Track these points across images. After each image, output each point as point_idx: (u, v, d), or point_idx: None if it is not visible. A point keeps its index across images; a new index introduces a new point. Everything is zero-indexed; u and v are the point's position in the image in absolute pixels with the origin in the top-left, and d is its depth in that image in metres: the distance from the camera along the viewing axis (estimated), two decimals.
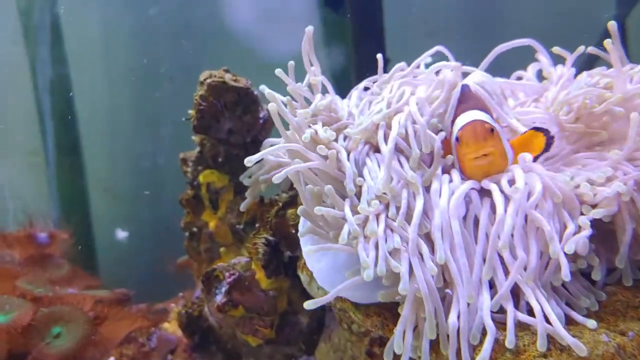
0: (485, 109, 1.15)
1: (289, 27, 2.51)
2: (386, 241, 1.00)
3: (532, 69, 1.39)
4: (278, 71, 1.21)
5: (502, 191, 1.03)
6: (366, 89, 1.40)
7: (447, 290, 0.99)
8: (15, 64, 2.44)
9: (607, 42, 1.10)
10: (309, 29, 1.23)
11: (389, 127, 1.13)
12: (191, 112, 1.46)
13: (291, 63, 1.21)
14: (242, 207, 1.42)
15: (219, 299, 1.30)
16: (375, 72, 1.37)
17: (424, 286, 0.96)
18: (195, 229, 1.58)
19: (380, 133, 1.12)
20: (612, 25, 1.10)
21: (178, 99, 2.58)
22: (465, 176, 1.09)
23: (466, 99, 1.17)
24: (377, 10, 2.30)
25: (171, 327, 1.63)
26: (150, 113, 2.67)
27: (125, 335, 1.39)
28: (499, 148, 1.07)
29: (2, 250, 1.60)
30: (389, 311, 1.08)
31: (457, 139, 1.09)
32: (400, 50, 2.25)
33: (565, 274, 0.94)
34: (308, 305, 1.03)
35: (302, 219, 1.21)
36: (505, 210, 0.99)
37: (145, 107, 2.68)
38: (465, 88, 1.21)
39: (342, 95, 1.37)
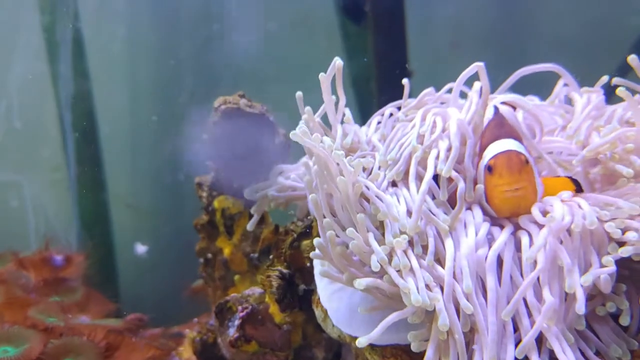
0: (517, 136, 1.07)
1: (310, 39, 2.47)
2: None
3: (560, 91, 1.30)
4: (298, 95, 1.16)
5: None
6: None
7: (474, 347, 0.92)
8: (38, 80, 2.43)
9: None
10: (339, 63, 1.15)
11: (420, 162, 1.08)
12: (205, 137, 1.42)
13: (299, 94, 1.15)
14: (249, 226, 1.36)
15: (232, 332, 1.25)
16: (398, 86, 1.30)
17: (459, 329, 0.90)
18: (210, 255, 1.54)
19: (412, 170, 1.06)
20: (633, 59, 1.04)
21: (201, 115, 2.57)
22: (491, 206, 1.02)
23: (496, 124, 1.10)
24: (400, 21, 2.23)
25: (185, 352, 1.59)
26: (171, 128, 2.65)
27: None
28: (532, 183, 1.00)
29: (19, 272, 1.57)
30: (406, 353, 1.02)
31: (489, 168, 1.02)
32: (423, 61, 2.19)
33: (580, 307, 0.87)
34: None
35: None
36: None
37: (166, 122, 2.65)
38: (496, 112, 1.14)
39: (364, 110, 1.30)
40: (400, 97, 1.93)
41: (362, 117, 1.42)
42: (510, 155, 1.00)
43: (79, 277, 1.63)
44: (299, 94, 1.16)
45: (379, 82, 2.25)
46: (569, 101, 1.30)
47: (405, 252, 0.95)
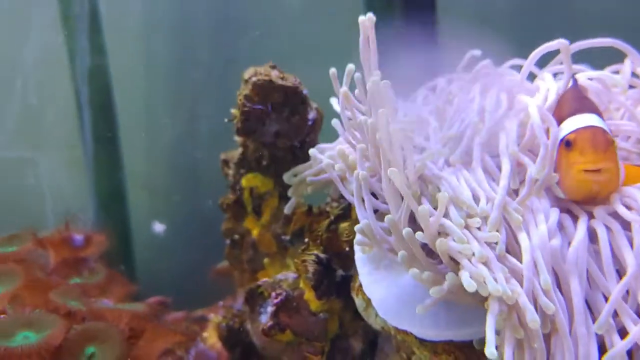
0: (599, 113, 0.94)
1: (332, 15, 2.35)
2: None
3: (628, 65, 1.14)
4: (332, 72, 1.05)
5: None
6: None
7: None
8: (54, 54, 2.34)
9: None
10: (363, 20, 1.03)
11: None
12: (234, 111, 1.31)
13: (350, 66, 1.03)
14: (287, 209, 1.27)
15: (264, 320, 1.15)
16: (426, 51, 1.18)
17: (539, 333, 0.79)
18: (237, 236, 1.44)
19: (477, 153, 0.95)
20: None
21: (218, 92, 2.47)
22: (564, 189, 0.90)
23: (575, 97, 0.98)
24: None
25: (210, 338, 1.50)
26: (188, 104, 2.55)
27: (162, 351, 1.26)
28: (616, 166, 0.87)
29: (38, 251, 1.48)
30: (459, 350, 0.92)
31: (567, 143, 0.89)
32: (452, 25, 2.06)
33: None
34: None
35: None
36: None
37: (184, 99, 2.56)
38: (575, 83, 1.01)
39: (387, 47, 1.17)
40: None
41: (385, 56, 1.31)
42: (595, 132, 0.88)
43: (99, 257, 1.54)
44: (332, 70, 1.05)
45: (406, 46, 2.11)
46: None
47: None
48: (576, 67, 1.14)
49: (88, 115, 2.29)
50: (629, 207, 0.88)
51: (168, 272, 2.35)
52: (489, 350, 0.75)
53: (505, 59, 1.20)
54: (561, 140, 0.91)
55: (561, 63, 1.08)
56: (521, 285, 0.81)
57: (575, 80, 1.03)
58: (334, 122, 1.06)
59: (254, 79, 1.22)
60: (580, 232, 0.86)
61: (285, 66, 2.20)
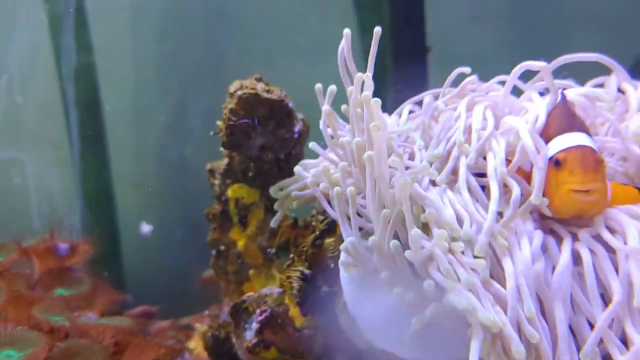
0: (588, 131, 0.93)
1: (321, 11, 2.33)
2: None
3: (613, 81, 1.14)
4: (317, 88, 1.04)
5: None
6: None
7: None
8: (39, 53, 2.31)
9: None
10: (347, 32, 1.03)
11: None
12: (219, 123, 1.30)
13: (332, 88, 1.02)
14: (273, 223, 1.26)
15: (249, 336, 1.15)
16: (414, 61, 1.17)
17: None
18: (222, 247, 1.43)
19: (462, 175, 0.94)
20: None
21: (207, 88, 2.45)
22: (552, 208, 0.89)
23: (565, 114, 0.97)
24: None
25: (196, 348, 1.49)
26: (177, 103, 2.53)
27: None
28: (604, 186, 0.87)
29: (22, 262, 1.46)
30: None
31: (557, 162, 0.88)
32: (441, 37, 2.05)
33: None
34: None
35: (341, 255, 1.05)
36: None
37: (173, 97, 2.53)
38: (563, 99, 1.00)
39: (377, 86, 1.16)
40: (417, 74, 1.78)
41: (375, 94, 1.30)
42: (585, 151, 0.87)
43: (85, 266, 1.53)
44: (318, 86, 1.03)
45: (394, 58, 2.10)
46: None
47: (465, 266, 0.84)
48: (562, 82, 1.13)
49: (74, 115, 2.26)
50: (613, 231, 0.87)
51: (157, 271, 2.34)
52: None
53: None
54: (550, 158, 0.90)
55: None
56: (505, 313, 0.81)
57: (564, 97, 1.02)
58: (312, 145, 1.05)
59: (239, 92, 1.21)
60: (564, 257, 0.85)
61: (273, 63, 2.18)
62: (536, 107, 1.02)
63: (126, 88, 2.47)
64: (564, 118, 0.96)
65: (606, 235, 0.86)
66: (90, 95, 2.27)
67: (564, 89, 1.07)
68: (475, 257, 0.86)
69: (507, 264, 0.84)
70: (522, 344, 0.77)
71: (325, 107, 0.99)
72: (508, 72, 1.10)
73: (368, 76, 0.95)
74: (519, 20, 2.20)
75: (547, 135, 0.96)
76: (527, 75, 1.15)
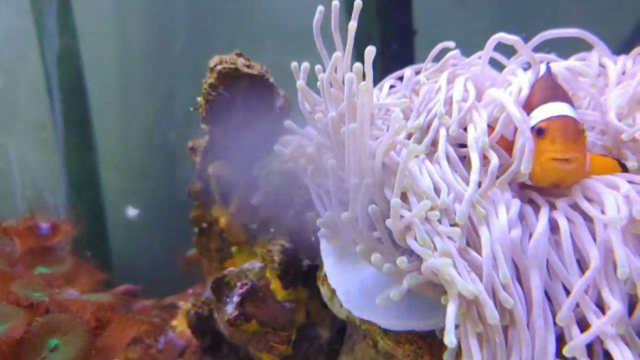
0: (571, 102, 0.93)
1: None
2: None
3: (595, 56, 1.15)
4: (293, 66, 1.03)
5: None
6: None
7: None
8: (22, 36, 2.28)
9: None
10: (335, 3, 1.02)
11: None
12: (199, 99, 1.29)
13: (306, 65, 1.01)
14: (254, 200, 1.26)
15: (230, 309, 1.14)
16: (401, 44, 1.16)
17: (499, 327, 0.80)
18: (204, 225, 1.42)
19: (442, 145, 0.94)
20: None
21: (192, 71, 2.43)
22: (531, 176, 0.89)
23: (549, 85, 0.96)
24: None
25: (180, 326, 1.49)
26: (163, 86, 2.51)
27: (129, 341, 1.25)
28: (584, 156, 0.87)
29: (2, 240, 1.45)
30: (422, 339, 0.92)
31: (539, 130, 0.88)
32: (428, 20, 2.05)
33: None
34: None
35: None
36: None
37: (157, 80, 2.52)
38: (548, 71, 1.00)
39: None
40: (403, 56, 1.76)
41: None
42: (567, 121, 0.87)
43: (67, 245, 1.51)
44: (294, 64, 1.03)
45: (381, 41, 2.09)
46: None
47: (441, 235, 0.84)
48: (545, 56, 1.13)
49: (58, 98, 2.24)
50: (590, 200, 0.87)
51: (143, 252, 2.33)
52: (448, 338, 0.75)
53: None
54: (532, 127, 0.90)
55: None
56: (481, 279, 0.81)
57: (549, 68, 1.02)
58: (287, 123, 1.04)
59: (219, 67, 1.19)
60: (541, 224, 0.85)
61: (261, 49, 2.16)
62: (519, 80, 1.02)
63: (112, 72, 2.45)
64: (548, 88, 0.97)
65: (584, 204, 0.86)
66: (74, 79, 2.25)
67: (548, 62, 1.07)
68: (453, 225, 0.86)
69: (483, 231, 0.84)
70: (496, 310, 0.77)
71: (300, 83, 0.99)
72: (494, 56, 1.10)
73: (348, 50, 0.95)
74: (505, 3, 2.20)
75: (529, 106, 0.96)
76: (510, 52, 1.15)
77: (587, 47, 1.17)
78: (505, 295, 0.79)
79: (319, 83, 0.97)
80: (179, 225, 2.00)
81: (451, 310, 0.78)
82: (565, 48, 1.20)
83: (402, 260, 0.83)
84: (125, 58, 2.48)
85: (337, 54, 0.97)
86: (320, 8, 1.00)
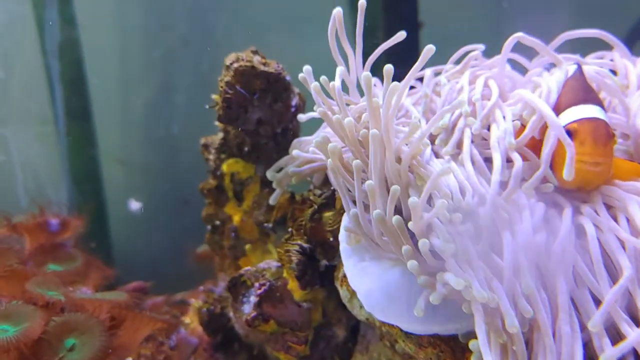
0: (603, 105, 0.93)
1: None
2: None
3: (618, 58, 1.15)
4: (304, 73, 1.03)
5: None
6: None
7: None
8: (22, 27, 2.26)
9: None
10: (338, 11, 1.03)
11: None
12: (215, 97, 1.28)
13: (307, 68, 1.02)
14: (272, 200, 1.25)
15: (248, 310, 1.15)
16: (407, 40, 1.16)
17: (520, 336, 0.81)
18: (217, 222, 1.42)
19: (466, 147, 0.95)
20: None
21: (194, 63, 2.42)
22: (555, 174, 0.90)
23: (580, 86, 0.96)
24: None
25: (192, 323, 1.49)
26: (164, 78, 2.50)
27: (143, 339, 1.26)
28: (611, 160, 0.88)
29: (13, 237, 1.45)
30: (445, 343, 0.93)
31: (568, 132, 0.88)
32: (433, 13, 2.05)
33: None
34: None
35: (344, 222, 1.06)
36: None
37: (159, 71, 2.50)
38: (580, 71, 1.00)
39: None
40: (409, 50, 1.77)
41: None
42: (598, 124, 0.88)
43: (76, 241, 1.51)
44: (306, 67, 1.03)
45: (386, 33, 2.09)
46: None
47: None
48: (570, 56, 1.14)
49: (59, 90, 2.23)
50: (613, 207, 0.89)
51: (145, 248, 2.33)
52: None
53: None
54: (566, 130, 0.91)
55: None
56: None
57: (580, 68, 1.03)
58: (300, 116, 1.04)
59: (235, 65, 1.19)
60: (565, 226, 0.86)
61: (262, 37, 2.15)
62: (548, 82, 1.02)
63: (113, 63, 2.43)
64: (579, 89, 0.97)
65: (601, 210, 0.87)
66: (75, 70, 2.24)
67: (579, 63, 1.07)
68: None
69: (506, 236, 0.85)
70: (516, 319, 0.78)
71: (315, 85, 0.99)
72: (498, 49, 1.11)
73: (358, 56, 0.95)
74: None
75: (558, 107, 0.97)
76: (531, 54, 1.16)
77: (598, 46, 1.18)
78: (524, 305, 0.79)
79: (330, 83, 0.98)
80: (181, 219, 1.99)
81: (481, 328, 0.79)
82: (579, 46, 1.21)
83: (424, 243, 0.84)
84: (125, 49, 2.46)
85: (341, 68, 0.98)
86: (337, 12, 1.00)
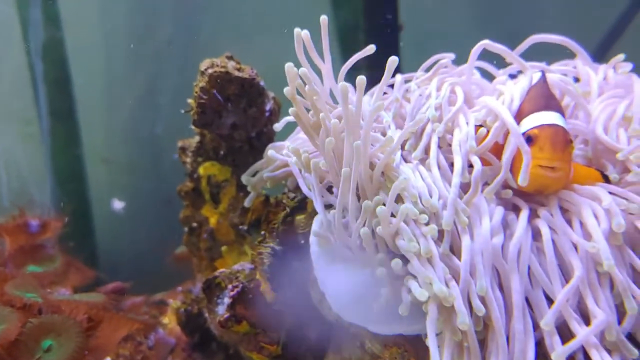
0: (563, 112, 0.98)
1: None
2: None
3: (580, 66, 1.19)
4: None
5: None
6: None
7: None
8: (5, 26, 2.27)
9: None
10: (324, 19, 1.06)
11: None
12: (190, 101, 1.31)
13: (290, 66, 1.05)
14: (247, 203, 1.29)
15: (221, 311, 1.18)
16: (387, 36, 1.19)
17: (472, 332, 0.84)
18: (195, 224, 1.45)
19: (433, 151, 0.99)
20: None
21: (178, 63, 2.44)
22: (514, 177, 0.94)
23: (543, 94, 1.01)
24: None
25: (170, 323, 1.52)
26: (149, 78, 2.51)
27: (120, 339, 1.28)
28: (569, 166, 0.93)
29: None
30: (409, 343, 0.96)
31: (529, 138, 0.93)
32: (413, 15, 2.08)
33: None
34: None
35: (314, 226, 1.09)
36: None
37: (143, 72, 2.52)
38: (543, 79, 1.05)
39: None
40: (389, 49, 1.80)
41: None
42: (557, 131, 0.92)
43: (56, 242, 1.54)
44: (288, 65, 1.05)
45: (367, 33, 2.12)
46: None
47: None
48: (535, 64, 1.17)
49: (43, 90, 2.24)
50: (568, 211, 0.92)
51: (129, 246, 2.35)
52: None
53: None
54: (523, 134, 0.95)
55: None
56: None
57: (544, 76, 1.06)
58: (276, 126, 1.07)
59: (210, 70, 1.22)
60: (520, 227, 0.90)
61: (246, 39, 2.17)
62: (511, 90, 1.06)
63: (97, 63, 2.44)
64: (541, 97, 1.01)
65: (557, 215, 0.91)
66: (59, 70, 2.25)
67: (543, 71, 1.11)
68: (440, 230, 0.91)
69: (464, 239, 0.89)
70: (467, 317, 0.82)
71: (287, 89, 1.02)
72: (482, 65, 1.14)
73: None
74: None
75: (521, 113, 1.01)
76: (501, 60, 1.19)
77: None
78: (477, 304, 0.83)
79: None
80: (165, 219, 2.02)
81: (431, 326, 0.84)
82: (544, 51, 1.25)
83: (396, 262, 0.88)
84: (109, 49, 2.47)
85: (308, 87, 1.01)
86: (302, 33, 1.02)
